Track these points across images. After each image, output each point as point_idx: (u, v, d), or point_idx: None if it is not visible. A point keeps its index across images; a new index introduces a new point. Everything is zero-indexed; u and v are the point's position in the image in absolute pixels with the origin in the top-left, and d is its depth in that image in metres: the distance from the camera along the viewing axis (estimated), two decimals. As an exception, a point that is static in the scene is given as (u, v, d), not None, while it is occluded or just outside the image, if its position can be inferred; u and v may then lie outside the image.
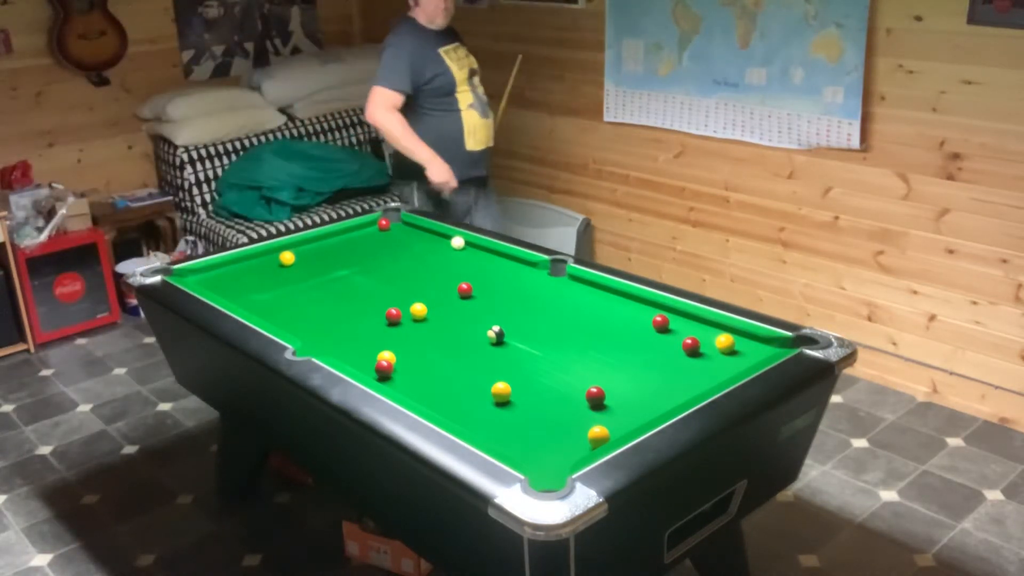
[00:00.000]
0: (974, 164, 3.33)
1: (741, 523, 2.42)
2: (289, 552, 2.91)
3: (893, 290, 3.67)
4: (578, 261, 2.99)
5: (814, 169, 3.76)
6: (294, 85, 5.16)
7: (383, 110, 3.70)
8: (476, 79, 3.85)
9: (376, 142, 5.47)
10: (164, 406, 3.82)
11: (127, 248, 4.89)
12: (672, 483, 1.93)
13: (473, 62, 3.86)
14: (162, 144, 4.97)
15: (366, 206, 4.85)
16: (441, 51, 3.75)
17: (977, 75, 3.24)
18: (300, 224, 4.61)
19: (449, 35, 3.83)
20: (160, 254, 4.80)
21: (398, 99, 3.70)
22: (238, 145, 5.00)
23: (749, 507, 2.27)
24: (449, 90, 3.74)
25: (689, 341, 2.43)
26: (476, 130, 3.81)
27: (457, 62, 3.77)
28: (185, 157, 4.86)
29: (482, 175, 3.94)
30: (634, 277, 2.88)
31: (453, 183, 3.74)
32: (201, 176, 4.91)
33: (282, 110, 5.22)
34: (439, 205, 3.84)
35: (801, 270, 3.94)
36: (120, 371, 4.14)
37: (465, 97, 3.78)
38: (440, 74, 3.72)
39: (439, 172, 3.71)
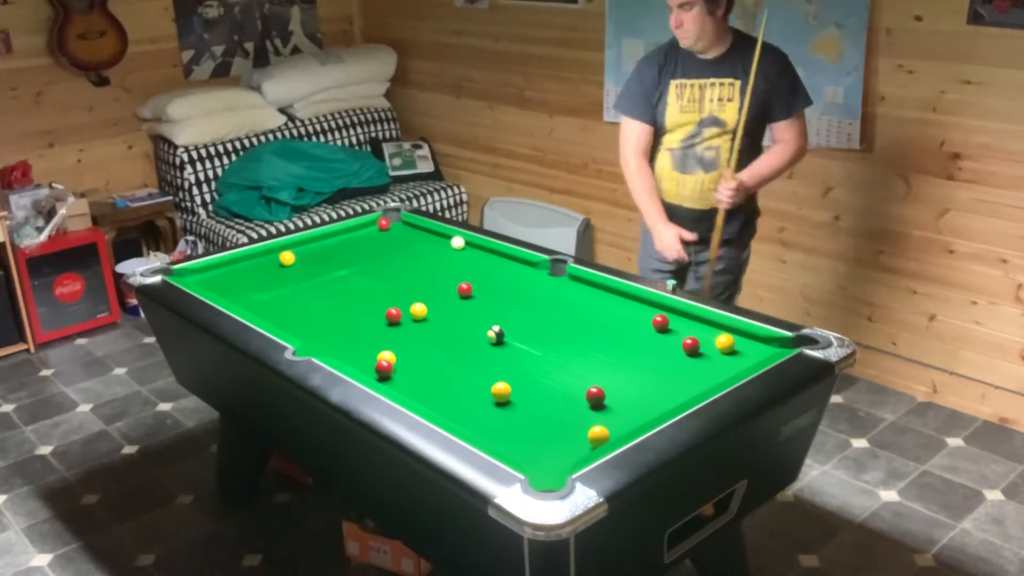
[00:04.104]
0: (974, 164, 3.33)
1: (741, 523, 2.42)
2: (289, 552, 2.91)
3: (893, 290, 3.67)
4: (578, 261, 2.98)
5: (814, 169, 3.75)
6: (294, 85, 5.17)
7: (627, 149, 3.12)
8: (710, 131, 2.99)
9: (376, 142, 5.47)
10: (164, 406, 3.82)
11: (127, 248, 4.89)
12: (672, 483, 1.93)
13: (725, 113, 2.96)
14: (162, 144, 4.97)
15: (366, 206, 4.85)
16: (676, 82, 3.00)
17: (977, 75, 3.24)
18: (300, 224, 4.61)
19: (715, 67, 2.97)
20: (160, 254, 4.80)
21: (641, 129, 3.10)
22: (238, 145, 5.01)
23: (749, 507, 2.27)
24: (662, 129, 3.09)
25: (689, 341, 2.43)
26: (664, 179, 3.12)
27: (689, 102, 3.00)
28: (185, 157, 4.86)
29: (693, 239, 3.11)
30: (634, 277, 2.88)
31: (672, 254, 3.10)
32: (201, 176, 4.91)
33: (282, 110, 5.23)
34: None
35: (801, 270, 3.93)
36: (120, 371, 4.14)
37: (672, 139, 3.07)
38: (658, 107, 3.06)
39: (659, 240, 3.12)
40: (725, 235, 3.09)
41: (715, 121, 2.99)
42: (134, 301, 4.51)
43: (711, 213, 3.06)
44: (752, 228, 3.23)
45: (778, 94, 2.96)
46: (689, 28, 2.91)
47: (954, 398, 3.61)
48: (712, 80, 2.98)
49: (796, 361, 2.26)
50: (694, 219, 3.12)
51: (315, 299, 2.89)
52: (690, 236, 3.09)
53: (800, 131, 3.03)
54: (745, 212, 3.14)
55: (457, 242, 3.24)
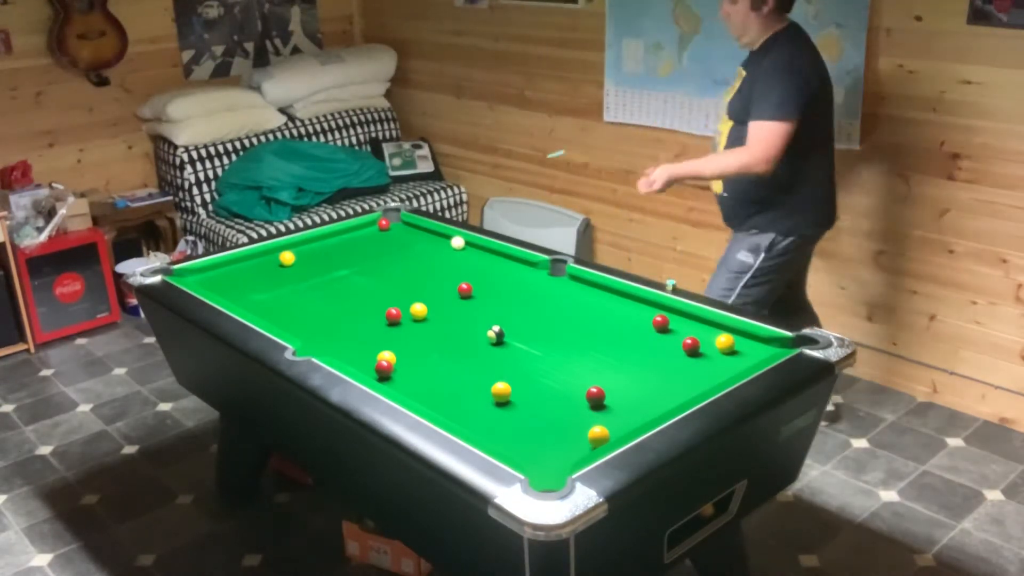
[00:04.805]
0: (974, 164, 3.33)
1: (741, 523, 2.42)
2: (289, 552, 2.91)
3: (893, 290, 3.67)
4: (578, 261, 2.99)
5: (814, 169, 3.75)
6: (294, 85, 5.17)
7: None
8: (723, 117, 3.13)
9: (376, 142, 5.47)
10: (164, 406, 3.82)
11: (127, 248, 4.89)
12: (672, 483, 1.93)
13: (728, 102, 3.10)
14: (162, 144, 4.97)
15: (366, 206, 4.85)
16: (739, 67, 3.12)
17: (977, 75, 3.24)
18: (300, 224, 4.61)
19: (748, 59, 3.05)
20: (160, 254, 4.79)
21: None
22: (238, 145, 5.01)
23: (749, 507, 2.27)
24: None
25: (689, 341, 2.43)
26: None
27: (730, 88, 3.14)
28: (185, 157, 4.86)
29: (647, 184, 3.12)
30: (634, 277, 2.88)
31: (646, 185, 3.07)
32: (201, 176, 4.91)
33: (282, 110, 5.23)
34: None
35: (801, 270, 3.93)
36: (120, 371, 4.14)
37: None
38: None
39: None
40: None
41: (726, 108, 3.11)
42: (134, 301, 4.51)
43: (720, 197, 3.18)
44: (755, 241, 3.09)
45: (752, 94, 2.92)
46: (734, 21, 2.99)
47: (954, 398, 3.61)
48: (742, 71, 3.07)
49: (796, 361, 2.26)
50: (719, 202, 3.24)
51: (315, 299, 2.89)
52: (646, 183, 3.06)
53: (759, 139, 2.86)
54: (727, 216, 3.19)
55: (457, 242, 3.24)
